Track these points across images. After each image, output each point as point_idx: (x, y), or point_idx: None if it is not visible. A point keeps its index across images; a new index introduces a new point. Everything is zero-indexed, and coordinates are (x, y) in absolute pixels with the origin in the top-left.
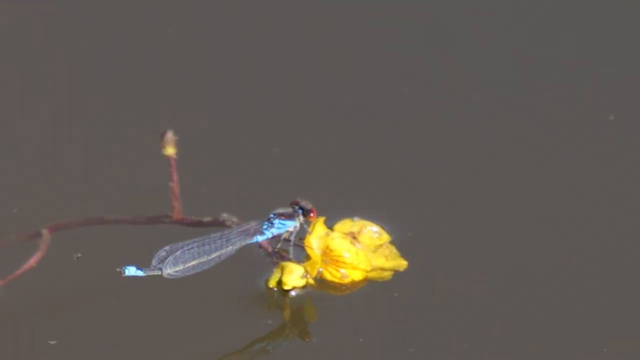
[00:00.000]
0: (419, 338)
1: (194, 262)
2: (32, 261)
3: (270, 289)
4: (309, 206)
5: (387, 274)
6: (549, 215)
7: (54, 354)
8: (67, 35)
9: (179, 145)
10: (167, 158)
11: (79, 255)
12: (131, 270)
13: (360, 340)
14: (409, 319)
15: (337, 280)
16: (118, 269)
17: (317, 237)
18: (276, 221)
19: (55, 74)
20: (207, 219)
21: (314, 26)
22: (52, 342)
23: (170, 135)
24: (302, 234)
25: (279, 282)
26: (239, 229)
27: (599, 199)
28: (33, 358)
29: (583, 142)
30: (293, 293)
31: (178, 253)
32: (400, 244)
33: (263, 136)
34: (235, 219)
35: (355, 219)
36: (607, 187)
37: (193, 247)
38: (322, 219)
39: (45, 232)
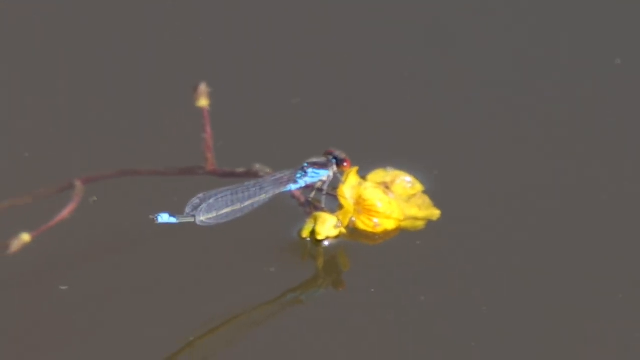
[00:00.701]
0: (446, 286)
1: (227, 210)
2: (65, 212)
3: (303, 238)
4: (343, 156)
5: (420, 223)
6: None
7: (85, 303)
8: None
9: (212, 97)
10: (201, 110)
11: (95, 198)
12: (164, 217)
13: (389, 289)
14: (439, 268)
15: (369, 230)
16: (151, 216)
17: (350, 186)
18: (310, 170)
19: (91, 24)
20: (240, 169)
21: None
22: (63, 288)
23: (203, 87)
24: (335, 184)
25: (312, 232)
26: (273, 178)
27: None
28: (65, 309)
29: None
30: (326, 243)
31: (211, 200)
32: (434, 193)
33: (297, 89)
34: (268, 170)
35: (389, 168)
36: None
37: (226, 195)
38: (355, 169)
39: (78, 183)
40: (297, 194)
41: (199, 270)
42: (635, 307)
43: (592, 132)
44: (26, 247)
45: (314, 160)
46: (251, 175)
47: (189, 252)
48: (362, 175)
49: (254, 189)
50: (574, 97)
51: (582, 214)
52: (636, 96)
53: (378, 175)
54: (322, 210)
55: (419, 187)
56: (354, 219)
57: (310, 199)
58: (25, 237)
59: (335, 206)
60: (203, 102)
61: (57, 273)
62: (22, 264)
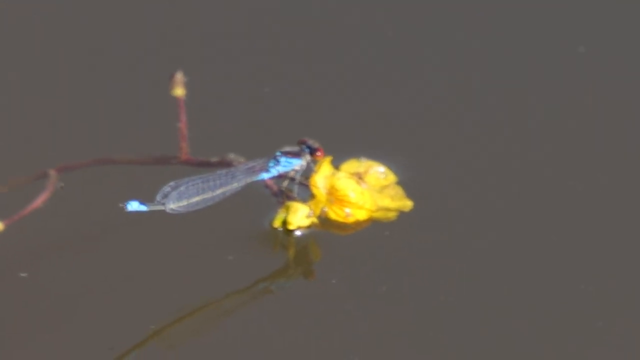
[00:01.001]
0: (417, 279)
1: (197, 198)
2: (39, 201)
3: (275, 228)
4: (316, 145)
5: (393, 214)
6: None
7: (69, 285)
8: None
9: (187, 87)
10: (176, 99)
11: (62, 185)
12: (134, 205)
13: (362, 282)
14: (410, 259)
15: (341, 220)
16: (121, 204)
17: (323, 176)
18: (282, 159)
19: (68, 17)
20: (214, 159)
21: None
22: (23, 275)
23: (179, 76)
24: (308, 174)
25: (284, 222)
26: (245, 166)
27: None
28: (30, 297)
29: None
30: (298, 232)
31: (182, 188)
32: (407, 184)
33: (271, 78)
34: (242, 160)
35: (362, 159)
36: None
37: (197, 183)
38: (328, 159)
39: (52, 172)
40: (270, 183)
41: (169, 259)
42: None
43: (565, 123)
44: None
45: (287, 149)
46: (225, 164)
47: (160, 241)
48: (336, 165)
49: (225, 177)
50: (543, 87)
51: (556, 206)
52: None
53: (351, 165)
54: (294, 199)
55: (392, 178)
56: (326, 209)
57: (282, 189)
58: None
59: (307, 196)
60: (179, 91)
61: (26, 262)
62: None
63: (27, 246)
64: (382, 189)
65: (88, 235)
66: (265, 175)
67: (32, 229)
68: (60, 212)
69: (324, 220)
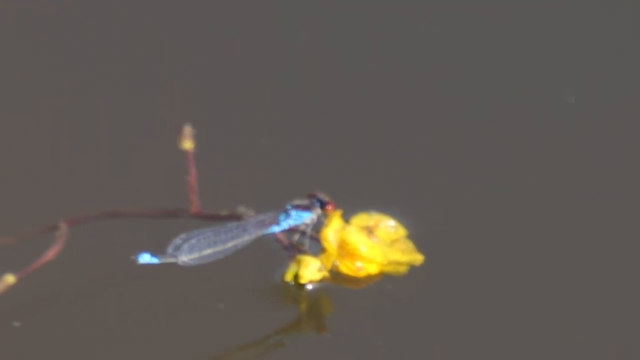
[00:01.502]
0: (429, 334)
1: (209, 251)
2: (50, 254)
3: (286, 282)
4: (326, 198)
5: (403, 268)
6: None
7: (80, 337)
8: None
9: (196, 139)
10: (185, 152)
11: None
12: (145, 258)
13: (375, 336)
14: (422, 314)
15: (352, 274)
16: (132, 257)
17: (334, 230)
18: (293, 212)
19: (76, 58)
20: (224, 212)
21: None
22: (16, 324)
23: (187, 130)
24: (318, 227)
25: (295, 276)
26: (256, 219)
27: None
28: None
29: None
30: (309, 286)
31: (194, 241)
32: (417, 238)
33: (280, 130)
34: (252, 213)
35: (372, 212)
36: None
37: (209, 236)
38: (338, 212)
39: (62, 225)
40: (281, 236)
41: (180, 313)
42: None
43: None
44: (9, 288)
45: (298, 202)
46: (235, 217)
47: (171, 295)
48: (346, 219)
49: (236, 230)
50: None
51: (570, 260)
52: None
53: (361, 219)
54: (305, 253)
55: (402, 231)
56: (337, 262)
57: (293, 242)
58: (10, 279)
59: (318, 249)
60: (187, 144)
61: (28, 312)
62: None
63: (31, 297)
64: (393, 242)
65: (93, 288)
66: (276, 229)
67: (37, 282)
68: (67, 264)
69: (335, 274)
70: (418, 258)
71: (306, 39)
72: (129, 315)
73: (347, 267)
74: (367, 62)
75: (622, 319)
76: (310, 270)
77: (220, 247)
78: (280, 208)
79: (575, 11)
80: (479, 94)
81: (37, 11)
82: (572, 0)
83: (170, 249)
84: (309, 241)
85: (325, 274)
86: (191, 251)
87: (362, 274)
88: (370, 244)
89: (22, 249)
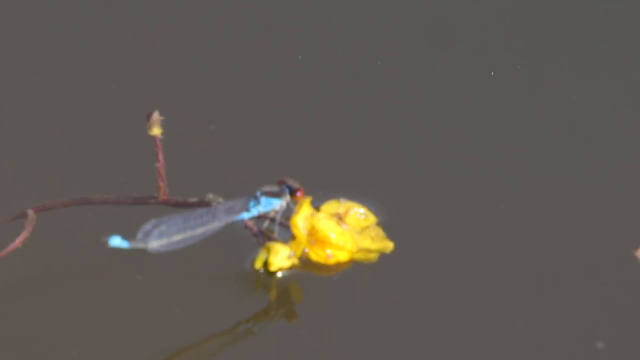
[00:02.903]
0: (399, 322)
1: (178, 237)
2: (18, 241)
3: (256, 269)
4: (296, 185)
5: (373, 256)
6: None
7: (48, 326)
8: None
9: (164, 125)
10: (153, 138)
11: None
12: (116, 241)
13: (345, 324)
14: (392, 301)
15: (322, 261)
16: (103, 239)
17: (303, 217)
18: (263, 198)
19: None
20: (192, 199)
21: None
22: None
23: (156, 116)
24: (288, 214)
25: (265, 263)
26: (225, 206)
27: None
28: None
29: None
30: (279, 274)
31: (163, 227)
32: (387, 226)
33: (251, 115)
34: (221, 200)
35: (342, 200)
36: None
37: (178, 222)
38: (308, 199)
39: (30, 212)
40: (250, 223)
41: (149, 300)
42: None
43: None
44: None
45: (267, 188)
46: (204, 204)
47: (139, 282)
48: (316, 206)
49: (206, 216)
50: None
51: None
52: None
53: (331, 206)
54: (274, 240)
55: (372, 219)
56: (307, 250)
57: (263, 229)
58: None
59: (288, 237)
60: (156, 130)
61: (5, 302)
62: None
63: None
64: (363, 230)
65: (63, 275)
66: (245, 215)
67: (6, 269)
68: (36, 252)
69: (305, 262)
70: (388, 245)
71: (271, 23)
72: (97, 303)
73: (317, 255)
74: (337, 45)
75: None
76: (279, 258)
77: (189, 234)
78: (249, 195)
79: None
80: (447, 79)
81: None
82: None
83: (139, 235)
84: (279, 228)
85: (295, 261)
86: (160, 237)
87: (332, 261)
88: (340, 231)
89: None
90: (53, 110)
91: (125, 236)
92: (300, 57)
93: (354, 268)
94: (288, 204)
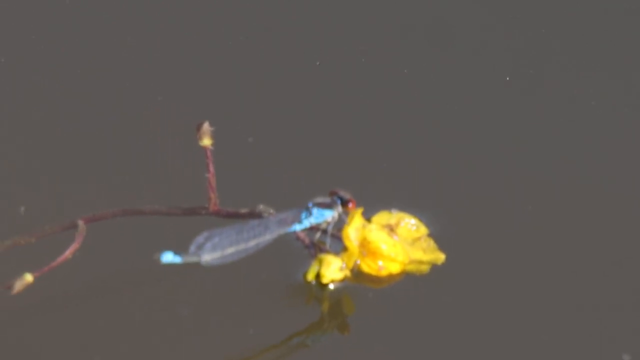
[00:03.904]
0: (451, 334)
1: (231, 249)
2: (68, 253)
3: (308, 281)
4: (348, 196)
5: (425, 267)
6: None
7: (99, 337)
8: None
9: (215, 136)
10: (204, 149)
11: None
12: (168, 257)
13: (396, 336)
14: (444, 314)
15: (374, 273)
16: (155, 256)
17: (355, 228)
18: (314, 210)
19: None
20: (244, 210)
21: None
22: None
23: (206, 126)
24: (340, 225)
25: (317, 275)
26: (278, 217)
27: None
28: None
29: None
30: (331, 286)
31: (216, 239)
32: (438, 237)
33: (303, 127)
34: (272, 211)
35: (393, 211)
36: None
37: (231, 234)
38: (360, 211)
39: (80, 223)
40: (302, 235)
41: (203, 313)
42: None
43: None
44: (28, 287)
45: (319, 200)
46: (255, 215)
47: (192, 295)
48: (367, 217)
49: (258, 228)
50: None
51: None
52: None
53: (382, 217)
54: (326, 252)
55: (423, 230)
56: (358, 261)
57: (315, 241)
58: (28, 278)
59: (339, 248)
60: (206, 141)
61: (46, 313)
62: (19, 302)
63: (49, 297)
64: (414, 241)
65: (112, 287)
66: (297, 227)
67: (57, 281)
68: (87, 264)
69: (357, 273)
70: (440, 257)
71: (320, 38)
72: (149, 316)
73: (368, 266)
74: (389, 57)
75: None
76: (331, 270)
77: (242, 246)
78: (301, 206)
79: None
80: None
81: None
82: None
83: (192, 248)
84: (330, 240)
85: (347, 273)
86: (214, 250)
87: (383, 273)
88: (392, 243)
89: (41, 248)
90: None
91: (176, 250)
92: (318, 63)
93: (406, 280)
94: (340, 215)
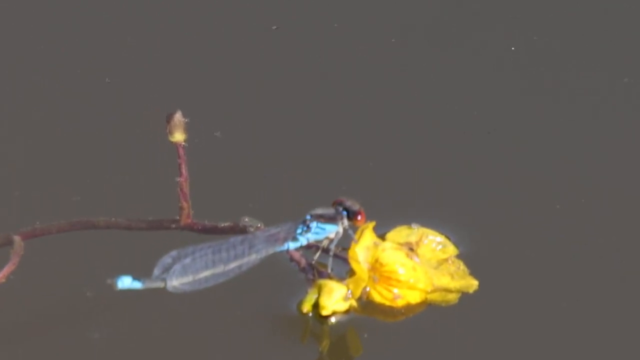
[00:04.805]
0: None
1: (206, 273)
2: (1, 275)
3: (304, 313)
4: (356, 207)
5: (453, 297)
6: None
7: None
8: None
9: (189, 131)
10: (175, 146)
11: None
12: (126, 282)
13: None
14: (475, 355)
15: (388, 303)
16: (109, 281)
17: (365, 247)
18: (314, 224)
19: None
20: (224, 224)
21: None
22: None
23: (178, 118)
24: (345, 243)
25: (315, 305)
26: (266, 233)
27: None
28: None
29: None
30: (333, 319)
31: (187, 260)
32: (470, 259)
33: (302, 126)
34: (259, 225)
35: (414, 226)
36: None
37: (207, 254)
38: (371, 225)
39: (17, 239)
40: (297, 255)
41: (169, 351)
42: None
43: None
44: None
45: (320, 211)
46: (238, 230)
47: (156, 327)
48: (381, 234)
49: (241, 247)
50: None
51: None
52: None
53: (401, 233)
54: (328, 277)
55: (452, 250)
56: (368, 289)
57: (313, 262)
58: None
59: (345, 272)
60: (178, 136)
61: None
62: None
63: None
64: (440, 264)
65: (63, 318)
66: (291, 245)
67: None
68: (24, 288)
69: (366, 304)
70: (472, 284)
71: (320, 38)
72: (103, 353)
73: (381, 295)
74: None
75: None
76: (334, 299)
77: (220, 269)
78: (297, 219)
79: None
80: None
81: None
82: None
83: (157, 271)
84: (333, 261)
85: (353, 303)
86: (184, 273)
87: (400, 303)
88: (411, 265)
89: None
90: (53, 111)
91: (138, 273)
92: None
93: (428, 312)
94: (345, 231)
